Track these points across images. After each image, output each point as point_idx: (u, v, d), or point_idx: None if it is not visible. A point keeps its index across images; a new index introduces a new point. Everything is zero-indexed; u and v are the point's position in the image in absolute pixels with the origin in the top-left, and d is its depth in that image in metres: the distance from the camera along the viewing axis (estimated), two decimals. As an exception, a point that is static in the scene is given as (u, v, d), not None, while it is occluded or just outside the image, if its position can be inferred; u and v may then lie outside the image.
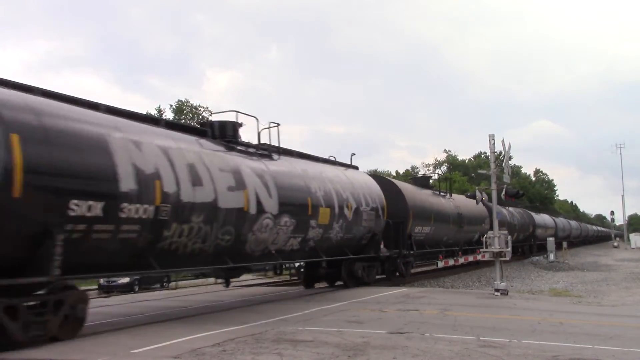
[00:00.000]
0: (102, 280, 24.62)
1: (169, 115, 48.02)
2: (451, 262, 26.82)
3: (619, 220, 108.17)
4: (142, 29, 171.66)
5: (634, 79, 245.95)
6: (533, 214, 48.35)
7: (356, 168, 20.30)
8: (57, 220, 8.54)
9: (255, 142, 14.46)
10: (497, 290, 15.97)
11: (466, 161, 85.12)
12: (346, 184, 17.35)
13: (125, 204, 9.52)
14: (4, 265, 8.20)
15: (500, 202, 26.65)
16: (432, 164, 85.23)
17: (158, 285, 26.89)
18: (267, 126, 14.80)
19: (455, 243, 28.58)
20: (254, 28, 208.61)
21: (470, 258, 29.39)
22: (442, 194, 27.59)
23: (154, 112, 48.39)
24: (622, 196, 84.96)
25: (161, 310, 13.52)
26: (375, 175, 27.41)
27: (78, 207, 8.75)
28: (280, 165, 14.58)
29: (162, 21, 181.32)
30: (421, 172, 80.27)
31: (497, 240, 16.23)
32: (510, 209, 39.59)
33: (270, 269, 22.87)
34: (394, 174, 70.26)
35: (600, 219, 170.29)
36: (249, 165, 13.21)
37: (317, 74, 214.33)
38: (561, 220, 63.83)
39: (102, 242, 9.36)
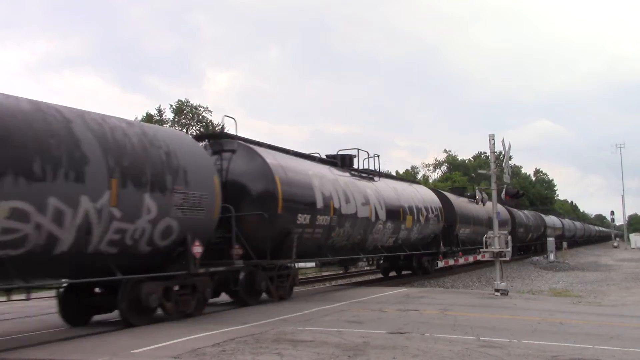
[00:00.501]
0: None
1: (169, 115, 47.98)
2: (451, 262, 26.93)
3: (619, 220, 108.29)
4: (142, 29, 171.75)
5: (634, 79, 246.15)
6: (543, 215, 54.66)
7: (419, 183, 28.20)
8: (293, 226, 14.58)
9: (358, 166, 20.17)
10: (497, 290, 15.98)
11: (466, 161, 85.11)
12: (418, 197, 23.53)
13: (319, 216, 15.56)
14: (269, 251, 13.84)
15: (517, 205, 32.54)
16: (432, 164, 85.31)
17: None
18: (371, 155, 20.89)
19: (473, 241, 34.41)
20: (254, 28, 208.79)
21: (471, 258, 29.51)
22: (474, 201, 32.46)
23: (154, 112, 48.39)
24: (622, 196, 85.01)
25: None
26: (433, 188, 32.68)
27: (301, 218, 14.84)
28: (381, 185, 20.42)
29: (162, 21, 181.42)
30: (421, 173, 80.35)
31: (497, 240, 16.24)
32: (526, 212, 46.66)
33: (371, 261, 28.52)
34: (394, 174, 70.19)
35: (600, 219, 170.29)
36: (367, 186, 19.12)
37: (317, 74, 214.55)
38: (567, 221, 69.52)
39: (307, 239, 15.29)
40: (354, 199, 17.43)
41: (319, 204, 15.54)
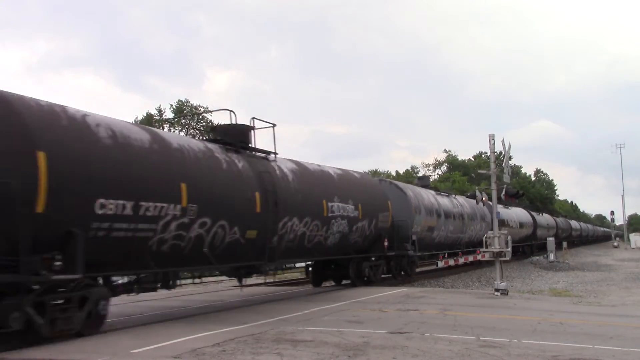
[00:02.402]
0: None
1: (169, 115, 47.94)
2: (451, 262, 26.95)
3: (619, 220, 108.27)
4: (142, 29, 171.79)
5: (634, 79, 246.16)
6: (568, 219, 69.38)
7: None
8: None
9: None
10: (497, 290, 15.98)
11: (466, 161, 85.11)
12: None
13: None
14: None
15: (554, 213, 41.06)
16: (432, 164, 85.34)
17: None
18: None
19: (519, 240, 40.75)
20: (254, 28, 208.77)
21: (470, 258, 29.54)
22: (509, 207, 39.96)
23: (154, 112, 48.34)
24: (622, 196, 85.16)
25: (161, 310, 13.52)
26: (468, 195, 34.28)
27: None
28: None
29: (162, 21, 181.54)
30: (421, 172, 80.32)
31: (497, 240, 16.23)
32: (560, 219, 61.05)
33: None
34: (394, 174, 70.26)
35: (600, 219, 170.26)
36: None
37: (317, 74, 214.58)
38: (574, 222, 79.53)
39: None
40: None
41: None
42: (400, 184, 24.46)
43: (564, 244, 48.22)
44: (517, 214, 40.67)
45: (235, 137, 13.87)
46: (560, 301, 16.01)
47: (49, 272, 8.60)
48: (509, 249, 16.29)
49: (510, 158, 18.67)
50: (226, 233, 12.25)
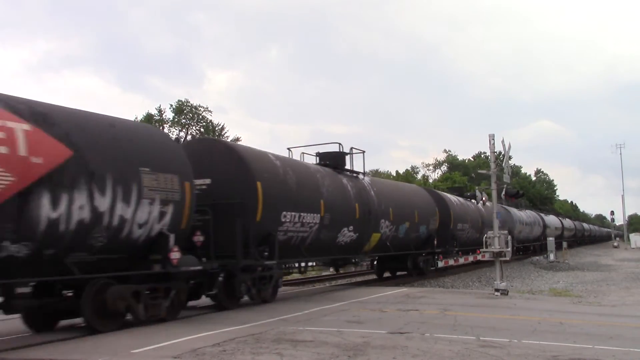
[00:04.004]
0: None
1: (169, 115, 47.96)
2: (451, 261, 26.98)
3: (619, 220, 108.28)
4: (142, 29, 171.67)
5: (634, 79, 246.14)
6: (572, 220, 73.91)
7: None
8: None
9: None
10: (497, 290, 15.98)
11: (466, 161, 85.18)
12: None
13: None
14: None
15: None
16: (432, 164, 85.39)
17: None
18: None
19: (526, 239, 44.44)
20: (254, 28, 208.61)
21: (471, 258, 29.58)
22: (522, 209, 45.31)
23: (154, 112, 48.34)
24: (622, 196, 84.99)
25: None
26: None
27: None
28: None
29: (162, 21, 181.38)
30: (421, 172, 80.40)
31: (497, 240, 16.23)
32: (566, 220, 65.89)
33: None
34: (394, 174, 70.30)
35: (600, 219, 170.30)
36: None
37: (317, 74, 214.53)
38: (578, 223, 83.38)
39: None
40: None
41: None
42: (442, 193, 28.63)
43: (564, 244, 48.32)
44: (527, 215, 45.31)
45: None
46: (560, 301, 16.01)
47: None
48: (509, 249, 16.30)
49: (510, 158, 18.67)
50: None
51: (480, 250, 21.71)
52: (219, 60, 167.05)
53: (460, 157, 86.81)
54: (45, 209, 8.63)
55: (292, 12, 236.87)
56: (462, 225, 28.09)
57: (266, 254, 13.57)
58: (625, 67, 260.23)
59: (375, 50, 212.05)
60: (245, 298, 13.49)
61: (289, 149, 17.53)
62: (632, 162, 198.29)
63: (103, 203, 9.47)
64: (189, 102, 48.88)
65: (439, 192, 28.94)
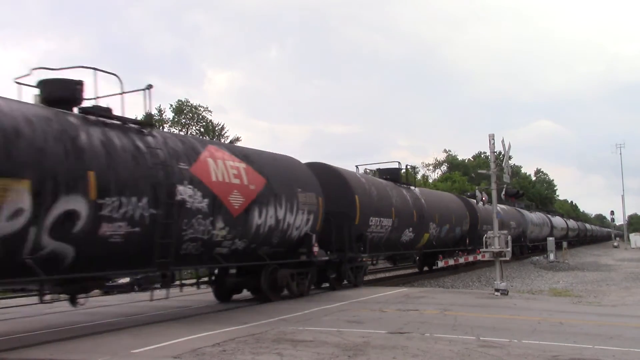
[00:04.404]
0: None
1: (169, 115, 47.93)
2: (451, 262, 26.96)
3: (619, 220, 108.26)
4: (142, 29, 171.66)
5: (634, 79, 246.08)
6: (576, 221, 78.24)
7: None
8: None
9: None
10: (497, 290, 15.97)
11: (466, 161, 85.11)
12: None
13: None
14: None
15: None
16: (432, 164, 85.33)
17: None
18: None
19: (536, 239, 47.74)
20: (254, 28, 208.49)
21: (470, 258, 29.55)
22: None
23: (154, 112, 48.27)
24: (622, 196, 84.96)
25: (161, 310, 13.50)
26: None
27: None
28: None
29: (162, 21, 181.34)
30: (421, 172, 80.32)
31: (497, 240, 16.23)
32: (570, 220, 70.93)
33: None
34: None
35: (600, 219, 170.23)
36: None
37: (317, 74, 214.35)
38: (581, 224, 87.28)
39: None
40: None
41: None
42: (470, 200, 30.69)
43: (564, 243, 48.36)
44: (537, 217, 49.74)
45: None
46: (560, 301, 16.01)
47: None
48: (509, 249, 16.29)
49: (510, 158, 18.66)
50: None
51: (480, 250, 21.78)
52: (219, 60, 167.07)
53: (460, 157, 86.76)
54: (255, 218, 13.03)
55: (292, 12, 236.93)
56: (487, 226, 29.26)
57: (362, 249, 17.94)
58: (625, 67, 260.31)
59: (375, 50, 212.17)
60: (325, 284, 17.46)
61: (357, 166, 21.97)
62: (632, 162, 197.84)
63: (280, 213, 13.89)
64: (189, 102, 48.84)
65: (468, 198, 31.50)
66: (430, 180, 71.49)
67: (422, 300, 14.24)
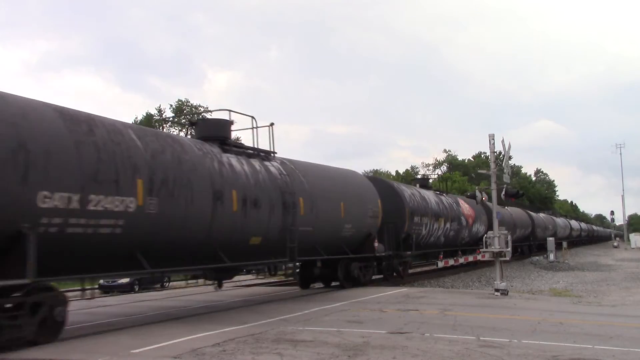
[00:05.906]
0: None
1: (168, 115, 47.92)
2: (451, 262, 26.98)
3: (619, 220, 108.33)
4: (142, 29, 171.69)
5: (634, 79, 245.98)
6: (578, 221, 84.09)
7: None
8: None
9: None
10: (497, 290, 15.97)
11: (466, 161, 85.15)
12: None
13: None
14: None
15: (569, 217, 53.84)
16: (432, 164, 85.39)
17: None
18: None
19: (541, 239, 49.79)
20: (254, 28, 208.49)
21: (470, 258, 29.59)
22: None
23: (154, 112, 48.35)
24: (622, 196, 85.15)
25: (161, 310, 13.52)
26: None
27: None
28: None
29: (163, 21, 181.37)
30: (421, 172, 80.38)
31: (497, 240, 16.22)
32: (572, 221, 74.67)
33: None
34: (394, 174, 70.32)
35: (600, 219, 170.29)
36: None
37: (318, 74, 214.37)
38: (584, 225, 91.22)
39: None
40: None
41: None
42: (488, 203, 32.75)
43: (564, 243, 48.40)
44: (562, 221, 61.50)
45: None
46: (560, 301, 16.01)
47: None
48: (509, 248, 16.29)
49: (510, 158, 18.68)
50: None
51: (480, 250, 21.84)
52: (219, 60, 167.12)
53: (460, 157, 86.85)
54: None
55: (292, 12, 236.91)
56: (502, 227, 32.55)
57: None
58: (625, 68, 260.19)
59: (375, 50, 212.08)
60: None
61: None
62: (632, 162, 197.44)
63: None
64: (189, 102, 48.92)
65: (487, 202, 32.61)
66: (430, 181, 71.51)
67: (422, 300, 14.24)
